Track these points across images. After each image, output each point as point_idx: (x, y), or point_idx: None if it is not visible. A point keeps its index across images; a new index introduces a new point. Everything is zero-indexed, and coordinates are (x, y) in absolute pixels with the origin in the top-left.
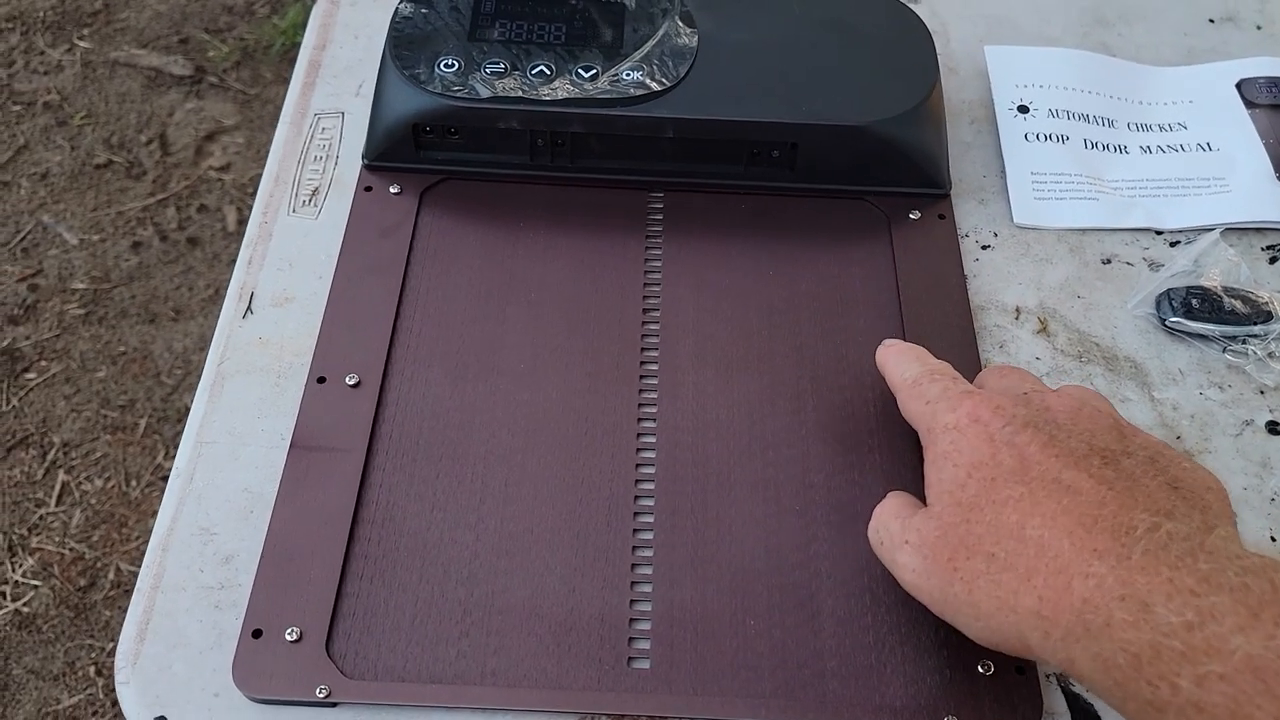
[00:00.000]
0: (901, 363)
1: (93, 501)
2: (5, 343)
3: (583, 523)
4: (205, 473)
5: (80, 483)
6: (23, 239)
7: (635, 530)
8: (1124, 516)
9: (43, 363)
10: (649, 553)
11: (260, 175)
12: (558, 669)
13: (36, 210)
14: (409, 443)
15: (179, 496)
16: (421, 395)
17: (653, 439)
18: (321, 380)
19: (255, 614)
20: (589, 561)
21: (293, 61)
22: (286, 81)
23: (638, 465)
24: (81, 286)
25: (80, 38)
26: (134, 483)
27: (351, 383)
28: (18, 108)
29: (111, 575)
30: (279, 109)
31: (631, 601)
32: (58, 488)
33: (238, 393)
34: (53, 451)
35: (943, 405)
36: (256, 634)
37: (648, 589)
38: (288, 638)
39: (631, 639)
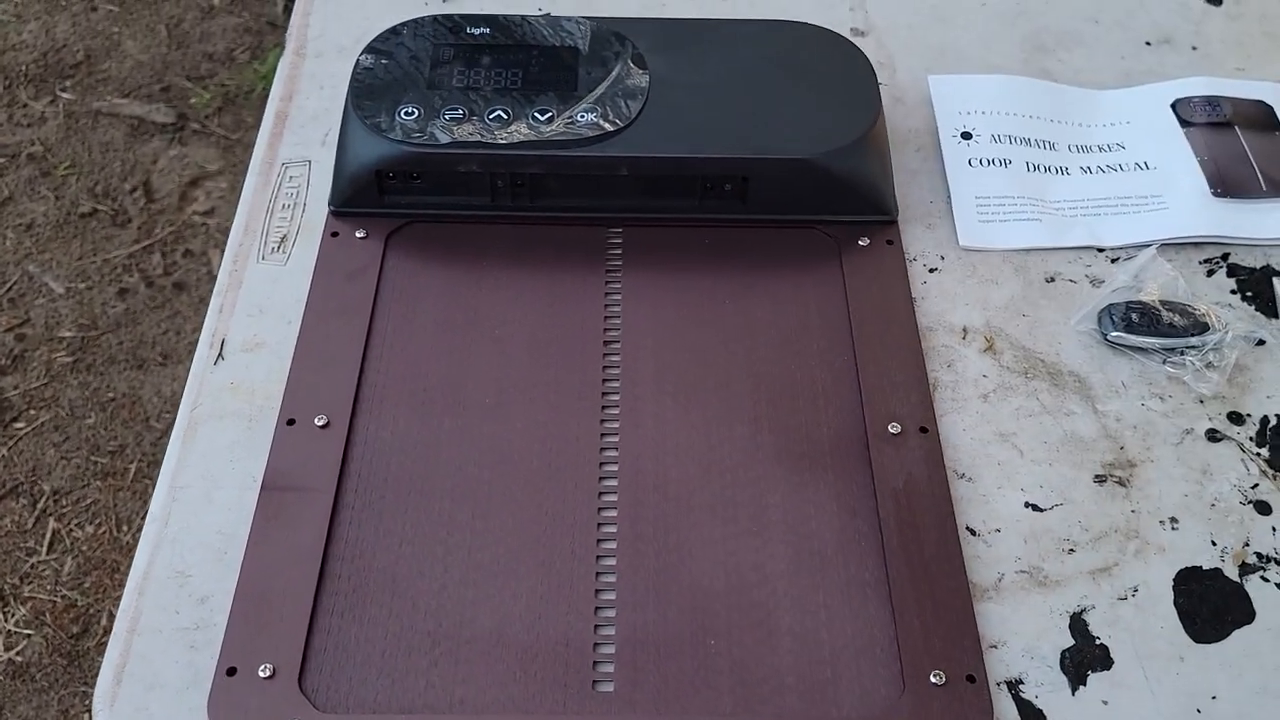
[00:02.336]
0: None
1: (84, 548)
2: None
3: (547, 550)
4: (180, 517)
5: (71, 530)
6: (9, 289)
7: (599, 556)
8: None
9: (31, 411)
10: (612, 578)
11: None
12: (524, 694)
13: (22, 260)
14: (377, 480)
15: (154, 541)
16: (389, 433)
17: (615, 466)
18: (291, 422)
19: (229, 652)
20: (554, 588)
21: None
22: None
23: (600, 493)
24: (69, 334)
25: (62, 89)
26: (125, 528)
27: (320, 424)
28: (1, 160)
29: (104, 621)
30: None
31: (595, 626)
32: (49, 536)
33: (211, 437)
34: (43, 500)
35: None
36: (231, 672)
37: (611, 613)
38: (261, 674)
39: (596, 663)
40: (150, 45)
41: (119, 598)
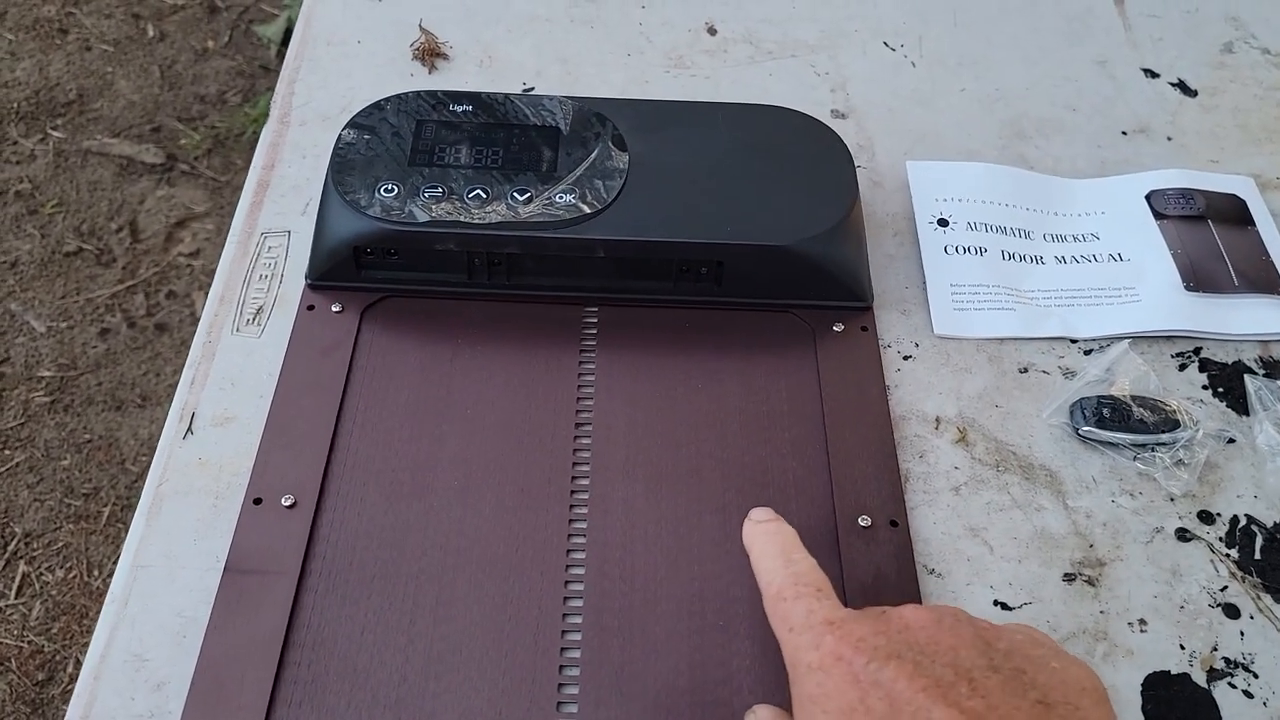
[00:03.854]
0: (765, 556)
1: (53, 593)
2: None
3: (511, 642)
4: (140, 597)
5: (41, 573)
6: None
7: (563, 649)
8: None
9: (6, 452)
10: (575, 671)
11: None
12: None
13: (5, 298)
14: (342, 563)
15: (113, 622)
16: (356, 515)
17: (582, 554)
18: (258, 501)
19: None
20: (516, 683)
21: None
22: None
23: (566, 582)
24: (48, 374)
25: (54, 127)
26: (96, 572)
27: (287, 504)
28: None
29: (70, 668)
30: None
31: None
32: (18, 579)
33: (175, 514)
34: (14, 542)
35: (805, 639)
36: None
37: (574, 709)
38: None
39: None
40: (143, 85)
41: (87, 644)
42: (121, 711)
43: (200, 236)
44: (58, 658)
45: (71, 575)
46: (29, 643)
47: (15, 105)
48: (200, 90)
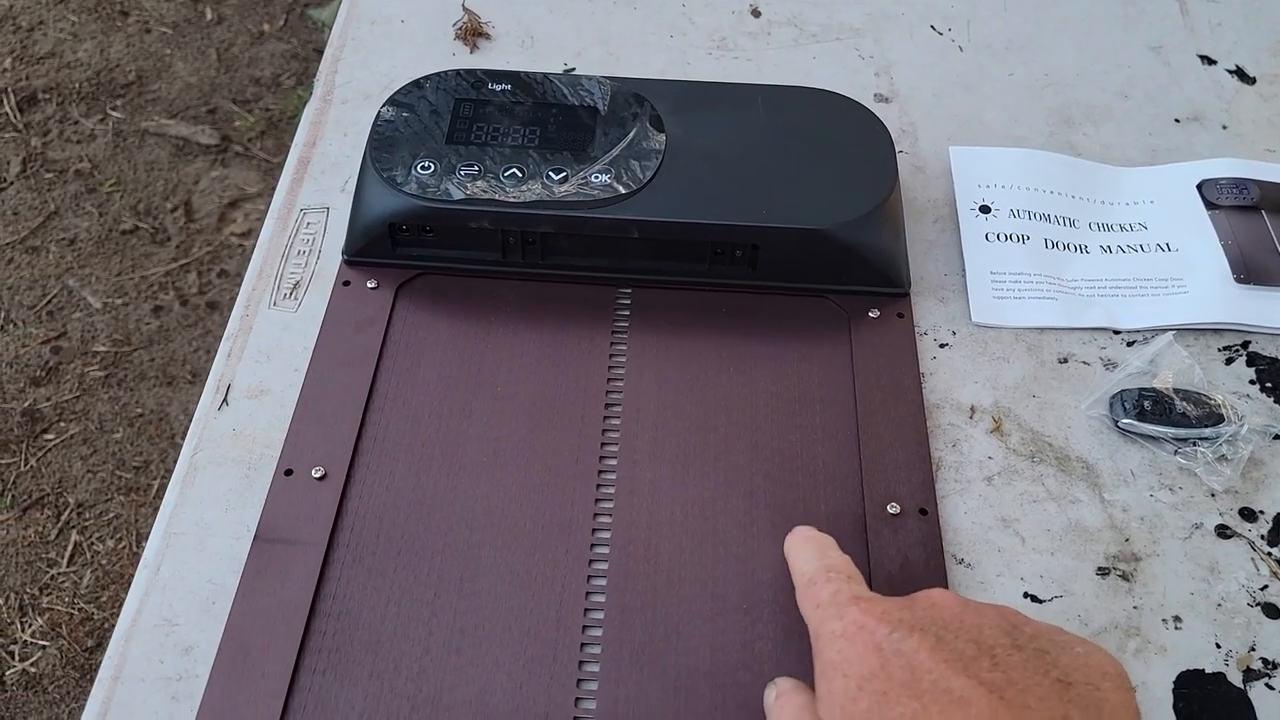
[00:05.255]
0: (802, 555)
1: (103, 562)
2: (27, 404)
3: (534, 619)
4: (171, 564)
5: (92, 543)
6: (49, 302)
7: (585, 627)
8: None
9: (62, 424)
10: (597, 649)
11: None
12: None
13: (63, 275)
14: (369, 536)
15: (145, 587)
16: (384, 488)
17: (607, 534)
18: (289, 473)
19: (209, 707)
20: (537, 658)
21: None
22: None
23: (591, 561)
24: (103, 349)
25: (113, 108)
26: (144, 544)
27: (318, 475)
28: (50, 175)
29: None
30: None
31: (577, 699)
32: (70, 548)
33: (208, 484)
34: (67, 512)
35: (830, 611)
36: None
37: (593, 686)
38: None
39: None
40: (200, 68)
41: None
42: (151, 673)
43: (252, 217)
44: (106, 625)
45: (121, 545)
46: (79, 609)
47: (77, 86)
48: (255, 73)
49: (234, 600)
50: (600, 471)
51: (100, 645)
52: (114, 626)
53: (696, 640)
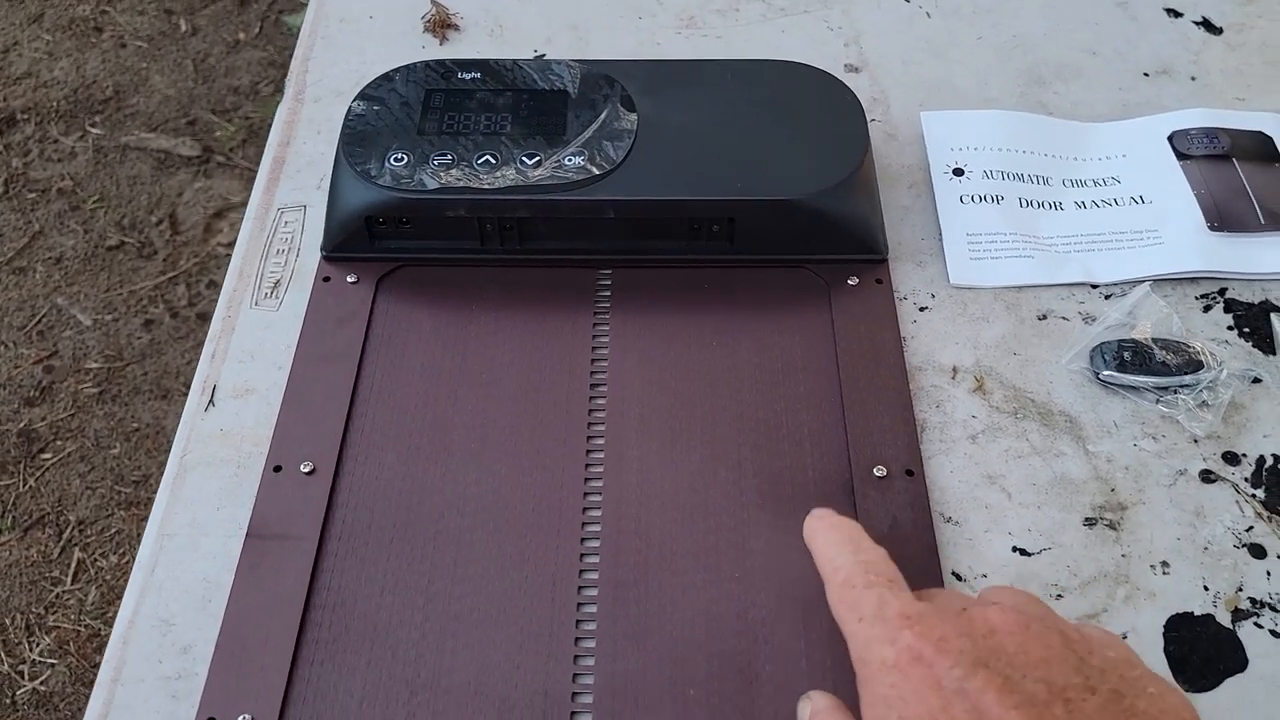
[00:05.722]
0: (831, 546)
1: (107, 577)
2: (22, 424)
3: (528, 599)
4: (166, 565)
5: (95, 559)
6: (38, 322)
7: (579, 604)
8: None
9: (58, 442)
10: (592, 625)
11: None
12: None
13: (51, 294)
14: (361, 526)
15: (140, 589)
16: (374, 479)
17: (598, 512)
18: (278, 469)
19: (209, 702)
20: (533, 637)
21: None
22: None
23: (583, 539)
24: (95, 366)
25: (92, 124)
26: None
27: (306, 470)
28: (33, 195)
29: None
30: None
31: (574, 675)
32: (73, 565)
33: (199, 485)
34: (68, 530)
35: (878, 632)
36: None
37: (590, 662)
38: None
39: (574, 713)
40: (177, 80)
41: None
42: (150, 674)
43: (238, 227)
44: None
45: (125, 560)
46: (86, 626)
47: (55, 104)
48: (233, 82)
49: (229, 597)
50: (588, 451)
51: None
52: None
53: (691, 611)
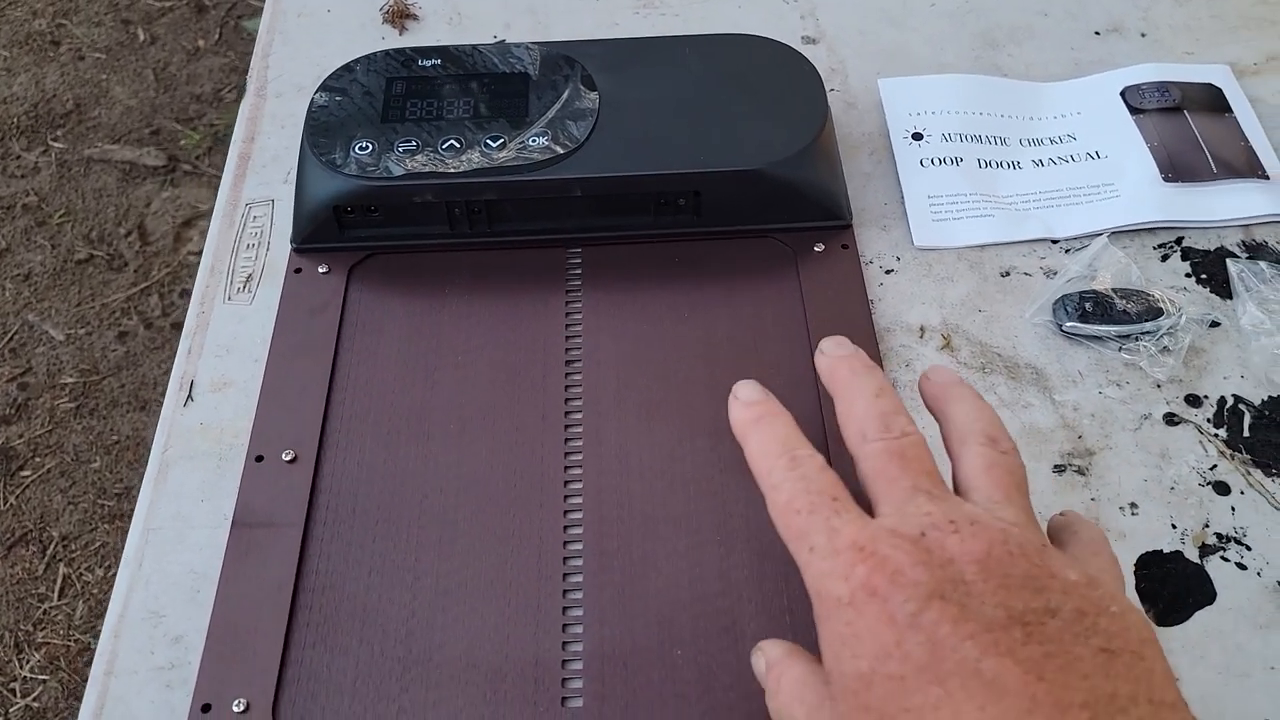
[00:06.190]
0: (766, 453)
1: (95, 591)
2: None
3: (515, 572)
4: (152, 558)
5: (81, 574)
6: (10, 339)
7: (565, 574)
8: None
9: (37, 459)
10: (579, 595)
11: None
12: (495, 716)
13: (22, 310)
14: (345, 511)
15: (128, 583)
16: (356, 464)
17: (579, 485)
18: (259, 459)
19: (204, 689)
20: (522, 609)
21: None
22: None
23: (566, 511)
24: (71, 381)
25: (54, 139)
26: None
27: (288, 459)
28: None
29: None
30: None
31: (564, 644)
32: (59, 581)
33: (181, 478)
34: (52, 545)
35: (830, 566)
36: (205, 708)
37: (579, 630)
38: (236, 709)
39: (565, 679)
40: (138, 90)
41: None
42: (143, 664)
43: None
44: None
45: (111, 573)
46: (76, 640)
47: (15, 120)
48: (195, 90)
49: (219, 586)
50: (567, 426)
51: None
52: None
53: (675, 575)
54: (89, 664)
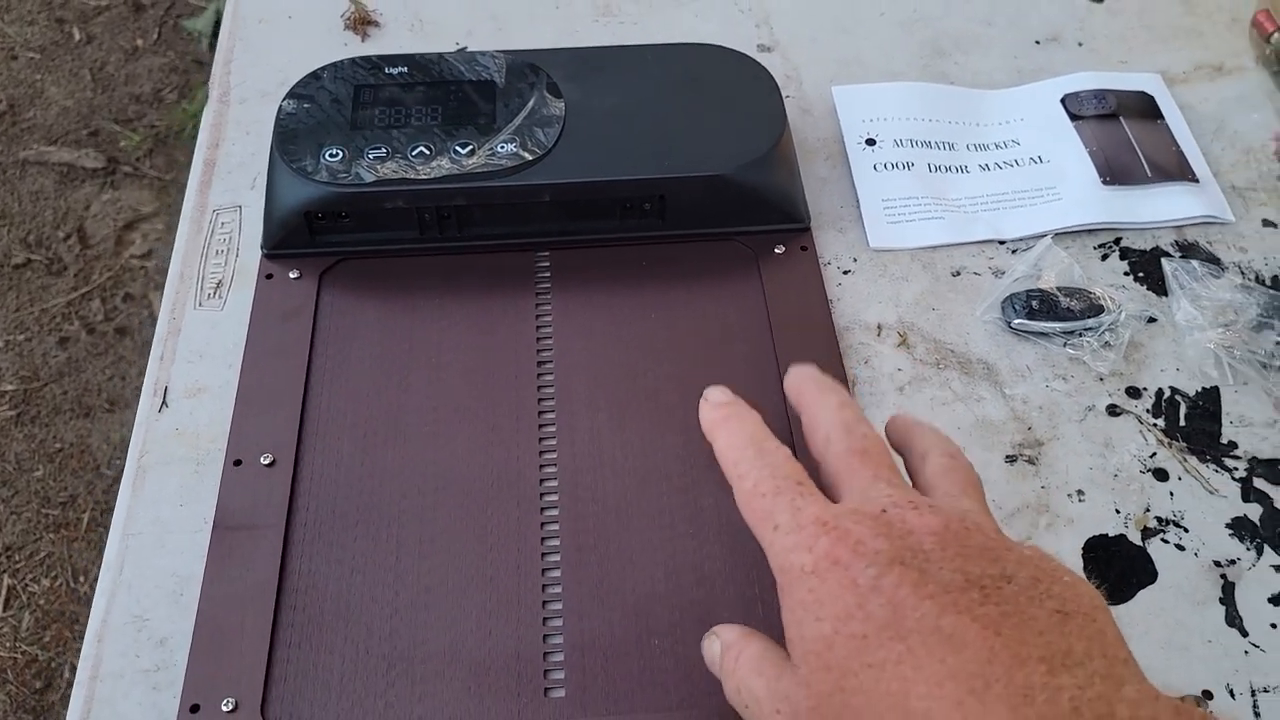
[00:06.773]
0: (734, 447)
1: (41, 602)
2: None
3: (494, 568)
4: (134, 563)
5: (27, 584)
6: None
7: (544, 569)
8: (1018, 675)
9: None
10: (558, 589)
11: None
12: (479, 708)
13: None
14: (325, 512)
15: (110, 588)
16: (334, 466)
17: (555, 482)
18: (238, 463)
19: (191, 690)
20: (502, 604)
21: None
22: None
23: (542, 508)
24: (10, 388)
25: None
26: (81, 578)
27: (266, 462)
28: None
29: (66, 674)
30: None
31: (544, 636)
32: (4, 592)
33: (159, 483)
34: None
35: (794, 540)
36: (194, 709)
37: (559, 622)
38: (224, 709)
39: (546, 671)
40: (75, 90)
41: (80, 649)
42: (129, 668)
43: (151, 237)
44: (53, 665)
45: (58, 584)
46: (23, 653)
47: None
48: (135, 90)
49: (202, 588)
50: (540, 425)
51: (50, 685)
52: (62, 664)
53: (650, 568)
54: (37, 675)
